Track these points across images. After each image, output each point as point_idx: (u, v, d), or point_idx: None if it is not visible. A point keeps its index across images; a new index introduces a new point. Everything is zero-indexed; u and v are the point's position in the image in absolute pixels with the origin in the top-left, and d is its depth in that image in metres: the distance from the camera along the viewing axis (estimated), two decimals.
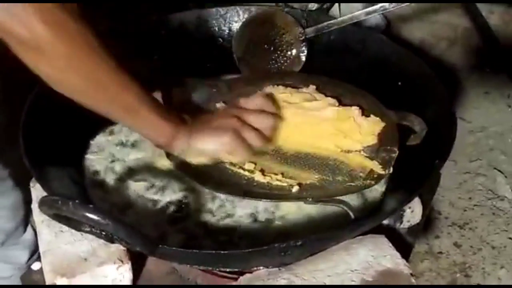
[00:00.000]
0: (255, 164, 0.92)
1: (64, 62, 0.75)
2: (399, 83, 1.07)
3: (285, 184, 0.90)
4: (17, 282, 1.36)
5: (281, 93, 1.03)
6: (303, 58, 1.17)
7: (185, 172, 0.91)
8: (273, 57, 1.18)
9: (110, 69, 0.78)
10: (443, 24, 2.10)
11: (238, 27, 1.21)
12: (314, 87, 1.05)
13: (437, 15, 2.07)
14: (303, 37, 1.16)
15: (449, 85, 1.92)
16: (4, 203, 1.28)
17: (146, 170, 0.99)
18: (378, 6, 1.08)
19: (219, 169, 0.92)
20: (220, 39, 1.21)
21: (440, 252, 1.60)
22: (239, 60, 1.19)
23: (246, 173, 0.91)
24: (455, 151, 1.78)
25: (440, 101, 0.98)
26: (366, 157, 0.93)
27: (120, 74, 0.80)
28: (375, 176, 0.90)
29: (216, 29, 1.21)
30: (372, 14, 1.11)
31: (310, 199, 0.87)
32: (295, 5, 1.50)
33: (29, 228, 1.37)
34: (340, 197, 0.88)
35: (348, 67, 1.14)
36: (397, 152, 0.93)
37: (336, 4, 1.70)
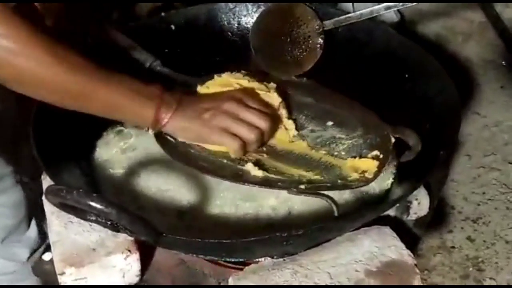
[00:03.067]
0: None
1: (29, 79, 0.78)
2: (406, 75, 1.07)
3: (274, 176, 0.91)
4: (21, 277, 1.38)
5: (237, 79, 1.02)
6: (320, 51, 1.16)
7: (183, 162, 0.92)
8: (290, 49, 1.17)
9: (75, 80, 0.80)
10: (458, 19, 2.09)
11: (254, 19, 1.21)
12: (275, 85, 1.03)
13: (452, 9, 2.06)
14: (321, 30, 1.15)
15: (464, 79, 1.94)
16: (5, 201, 1.29)
17: (155, 162, 1.00)
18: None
19: (208, 157, 0.92)
20: (229, 34, 1.22)
21: (453, 247, 1.59)
22: (255, 50, 1.20)
23: (241, 166, 0.92)
24: (470, 145, 1.81)
25: (446, 92, 0.98)
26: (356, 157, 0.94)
27: (90, 74, 0.82)
28: (368, 177, 0.91)
29: (225, 23, 1.22)
30: (392, 9, 1.09)
31: (295, 190, 0.87)
32: None
33: (33, 226, 1.37)
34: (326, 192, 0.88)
35: (355, 59, 1.14)
36: (388, 160, 0.92)
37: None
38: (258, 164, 0.91)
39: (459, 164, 1.77)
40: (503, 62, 2.03)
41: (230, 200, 0.94)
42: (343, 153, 0.95)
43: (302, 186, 0.88)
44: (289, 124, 0.99)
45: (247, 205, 0.93)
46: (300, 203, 0.92)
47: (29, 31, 0.76)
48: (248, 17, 1.22)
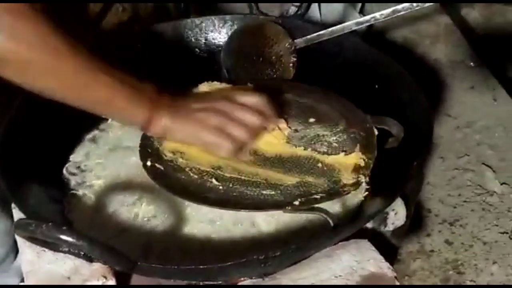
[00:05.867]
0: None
1: (27, 68, 0.76)
2: (376, 86, 1.07)
3: (266, 192, 0.89)
4: None
5: (217, 88, 1.01)
6: (293, 70, 1.16)
7: (162, 185, 0.91)
8: (262, 68, 1.17)
9: (76, 67, 0.79)
10: (425, 22, 2.10)
11: (222, 34, 1.21)
12: (252, 85, 1.04)
13: (419, 12, 2.07)
14: (293, 48, 1.15)
15: (434, 82, 1.95)
16: None
17: (125, 185, 0.98)
18: (369, 17, 1.07)
19: (196, 180, 0.91)
20: (196, 50, 1.21)
21: (432, 251, 1.59)
22: (228, 71, 1.19)
23: (225, 183, 0.91)
24: (443, 147, 1.82)
25: (417, 101, 0.98)
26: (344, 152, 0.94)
27: (88, 68, 0.80)
28: (356, 179, 0.90)
29: (192, 39, 1.21)
30: (364, 25, 1.09)
31: (289, 208, 0.86)
32: (274, 10, 1.50)
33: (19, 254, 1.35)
34: (320, 205, 0.87)
35: (324, 70, 1.14)
36: (375, 155, 0.92)
37: (316, 8, 1.71)
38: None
39: (433, 167, 1.77)
40: (472, 63, 2.05)
41: (212, 219, 0.92)
42: (329, 151, 0.95)
43: (296, 203, 0.86)
44: (281, 122, 0.98)
45: (230, 225, 0.92)
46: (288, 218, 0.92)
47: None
48: (215, 32, 1.21)
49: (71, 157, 1.05)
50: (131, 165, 1.00)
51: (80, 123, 1.07)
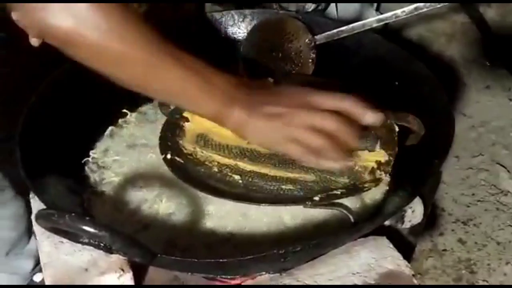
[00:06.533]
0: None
1: (99, 54, 0.75)
2: (396, 83, 1.06)
3: (286, 187, 0.89)
4: None
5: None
6: (312, 66, 1.15)
7: (181, 178, 0.91)
8: (282, 64, 1.17)
9: (145, 55, 0.77)
10: (441, 20, 2.09)
11: (241, 28, 1.21)
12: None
13: (435, 11, 2.06)
14: (313, 44, 1.14)
15: (449, 80, 1.95)
16: (5, 214, 1.28)
17: (144, 183, 0.98)
18: (390, 14, 1.07)
19: (215, 174, 0.91)
20: (215, 44, 1.21)
21: (445, 249, 1.60)
22: (247, 66, 1.18)
23: (245, 177, 0.91)
24: (457, 146, 1.81)
25: (437, 99, 0.97)
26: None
27: (158, 57, 0.78)
28: (376, 176, 0.90)
29: (212, 34, 1.21)
30: (385, 21, 1.09)
31: (309, 203, 0.86)
32: (292, 6, 1.50)
33: (33, 237, 1.36)
34: (340, 200, 0.87)
35: (344, 67, 1.13)
36: (396, 152, 0.92)
37: (333, 5, 1.70)
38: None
39: (448, 166, 1.77)
40: (487, 62, 2.04)
41: (233, 214, 0.91)
42: None
43: (316, 198, 0.86)
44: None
45: (253, 218, 0.91)
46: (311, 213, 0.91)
47: None
48: (235, 27, 1.21)
49: (90, 152, 1.05)
50: (149, 162, 1.00)
51: (99, 116, 1.07)
